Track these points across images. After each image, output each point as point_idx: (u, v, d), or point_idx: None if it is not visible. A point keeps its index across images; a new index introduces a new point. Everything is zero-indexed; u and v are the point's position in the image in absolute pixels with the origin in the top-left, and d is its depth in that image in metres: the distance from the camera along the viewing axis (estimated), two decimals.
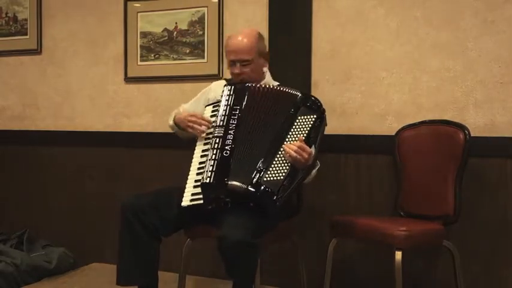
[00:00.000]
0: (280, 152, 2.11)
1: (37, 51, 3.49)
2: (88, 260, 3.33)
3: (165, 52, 3.18)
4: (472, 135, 2.38)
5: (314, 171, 2.26)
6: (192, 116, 2.30)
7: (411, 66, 2.68)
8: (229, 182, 2.08)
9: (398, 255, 2.16)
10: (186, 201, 2.13)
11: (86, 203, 3.38)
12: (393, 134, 2.64)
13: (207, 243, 2.83)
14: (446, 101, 2.63)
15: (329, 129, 2.78)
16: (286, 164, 2.09)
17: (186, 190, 2.16)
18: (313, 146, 2.15)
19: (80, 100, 3.41)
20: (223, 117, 2.21)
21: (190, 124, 2.28)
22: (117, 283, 2.26)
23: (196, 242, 2.41)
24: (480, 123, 2.56)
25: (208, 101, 2.42)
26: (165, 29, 3.17)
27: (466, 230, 2.55)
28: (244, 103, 2.23)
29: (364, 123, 2.77)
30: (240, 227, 1.98)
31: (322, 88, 2.84)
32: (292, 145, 2.09)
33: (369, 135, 2.75)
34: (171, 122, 2.47)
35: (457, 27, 2.60)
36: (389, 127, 2.70)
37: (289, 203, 2.40)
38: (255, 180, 2.06)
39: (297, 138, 2.11)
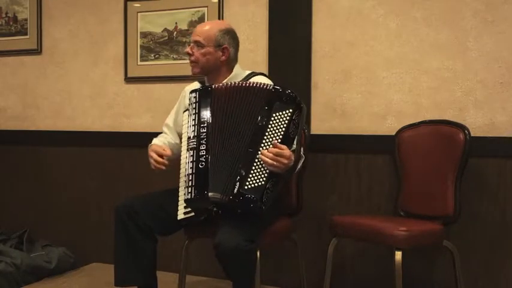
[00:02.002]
0: (258, 156, 2.02)
1: (37, 51, 3.49)
2: (88, 260, 3.33)
3: (165, 52, 3.18)
4: (472, 135, 2.38)
5: (299, 165, 2.19)
6: (152, 151, 2.28)
7: (411, 66, 2.69)
8: (209, 194, 2.04)
9: (398, 255, 2.16)
10: (180, 215, 2.14)
11: (86, 203, 3.38)
12: (393, 134, 2.64)
13: (207, 243, 2.83)
14: (446, 101, 2.63)
15: (329, 129, 2.80)
16: (266, 168, 2.01)
17: (179, 203, 2.16)
18: (294, 141, 2.08)
19: (80, 100, 3.41)
20: (193, 127, 2.14)
21: (151, 161, 2.26)
22: (115, 284, 2.26)
23: (196, 242, 2.41)
24: (480, 123, 2.56)
25: (185, 106, 2.36)
26: (165, 29, 3.17)
27: (466, 230, 2.55)
28: (211, 108, 2.15)
29: (364, 123, 2.77)
30: (233, 233, 1.97)
31: (322, 88, 2.84)
32: (268, 153, 1.98)
33: (368, 135, 2.75)
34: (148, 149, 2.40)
35: (457, 27, 2.60)
36: (389, 127, 2.70)
37: (284, 201, 2.40)
38: (235, 190, 2.00)
39: (273, 140, 2.02)
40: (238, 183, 2.01)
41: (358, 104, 2.78)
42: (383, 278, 2.64)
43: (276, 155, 1.99)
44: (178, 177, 2.24)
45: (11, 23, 3.56)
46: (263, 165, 2.02)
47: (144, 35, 3.22)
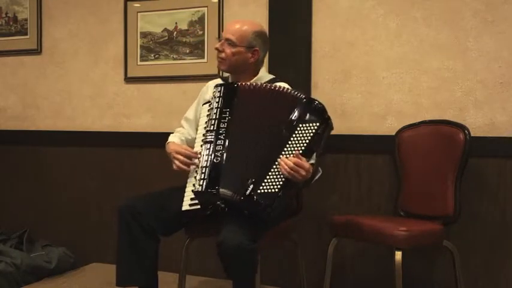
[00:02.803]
0: (277, 163, 2.00)
1: (37, 51, 3.49)
2: (88, 260, 3.33)
3: (165, 52, 3.18)
4: (472, 135, 2.38)
5: (315, 178, 2.17)
6: (177, 153, 2.21)
7: (411, 66, 2.69)
8: (220, 190, 2.03)
9: (398, 255, 2.16)
10: (185, 206, 2.13)
11: (86, 203, 3.38)
12: (393, 134, 2.64)
13: (207, 243, 2.83)
14: (446, 101, 2.63)
15: None
16: (282, 176, 1.99)
17: (185, 194, 2.15)
18: (313, 155, 2.06)
19: (80, 100, 3.41)
20: (213, 121, 2.13)
21: (177, 162, 2.20)
22: (117, 284, 2.26)
23: (196, 242, 2.41)
24: (480, 123, 2.56)
25: (204, 100, 2.35)
26: (165, 29, 3.17)
27: (466, 230, 2.55)
28: (234, 105, 2.13)
29: (364, 123, 2.77)
30: (237, 232, 1.96)
31: (322, 88, 2.84)
32: (288, 161, 1.97)
33: (369, 135, 2.75)
34: (166, 148, 2.38)
35: (457, 27, 2.60)
36: (389, 127, 2.70)
37: (288, 205, 2.40)
38: (248, 192, 1.99)
39: (295, 150, 2.00)
40: (252, 185, 1.99)
41: (358, 104, 2.78)
42: (383, 278, 2.64)
43: (296, 164, 1.96)
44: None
45: (11, 23, 3.56)
46: (280, 172, 2.00)
47: (144, 35, 3.22)
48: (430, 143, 2.51)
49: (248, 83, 2.22)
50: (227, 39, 2.30)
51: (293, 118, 2.05)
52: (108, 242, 3.16)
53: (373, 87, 2.75)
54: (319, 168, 2.20)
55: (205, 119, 2.19)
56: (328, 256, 2.43)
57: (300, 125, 2.04)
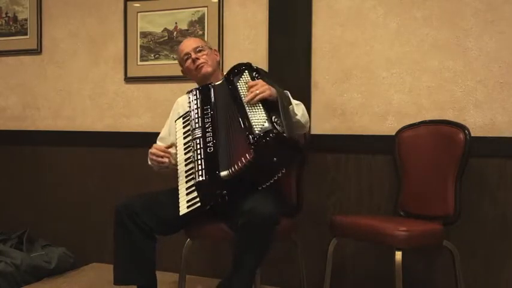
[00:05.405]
0: (247, 109, 2.16)
1: (37, 51, 3.49)
2: (88, 260, 3.33)
3: (165, 52, 3.18)
4: (472, 135, 2.38)
5: (293, 103, 2.27)
6: (152, 149, 2.37)
7: (411, 66, 2.69)
8: (221, 174, 2.12)
9: (398, 255, 2.16)
10: (183, 210, 2.16)
11: (86, 203, 3.38)
12: (393, 134, 2.64)
13: (207, 243, 2.84)
14: (446, 101, 2.63)
15: (329, 129, 2.81)
16: (258, 109, 2.15)
17: (180, 199, 2.18)
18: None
19: (80, 100, 3.41)
20: (197, 119, 2.30)
21: (153, 158, 2.34)
22: (114, 283, 2.27)
23: (196, 242, 2.41)
24: (480, 123, 2.56)
25: (178, 115, 2.49)
26: (165, 29, 3.17)
27: (466, 230, 2.55)
28: (212, 101, 2.33)
29: (364, 123, 2.77)
30: (265, 202, 2.03)
31: (322, 88, 2.84)
32: (248, 94, 2.17)
33: (369, 135, 2.75)
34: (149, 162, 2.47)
35: (457, 27, 2.60)
36: (389, 127, 2.70)
37: (289, 200, 2.42)
38: (251, 140, 2.07)
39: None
40: (250, 135, 2.08)
41: (358, 104, 2.78)
42: (383, 278, 2.64)
43: (252, 87, 2.17)
44: (178, 178, 2.25)
45: (11, 23, 3.56)
46: (254, 109, 2.15)
47: (144, 35, 3.22)
48: (430, 143, 2.51)
49: (217, 82, 2.42)
50: (195, 49, 2.47)
51: (231, 87, 2.30)
52: (108, 242, 3.15)
53: (373, 87, 2.75)
54: (286, 92, 2.29)
55: (183, 130, 2.36)
56: (328, 256, 2.43)
57: (237, 84, 2.29)
